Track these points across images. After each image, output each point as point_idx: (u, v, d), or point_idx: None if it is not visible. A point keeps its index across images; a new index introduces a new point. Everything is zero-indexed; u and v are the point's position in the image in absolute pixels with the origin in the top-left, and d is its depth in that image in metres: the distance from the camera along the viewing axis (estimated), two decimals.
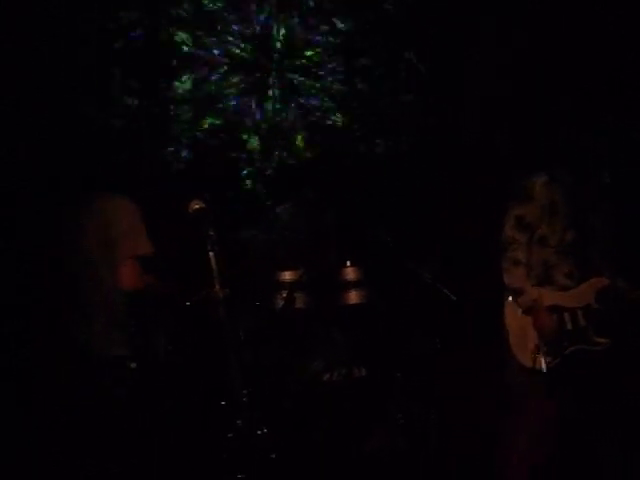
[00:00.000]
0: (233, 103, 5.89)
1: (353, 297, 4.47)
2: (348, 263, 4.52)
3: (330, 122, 6.02)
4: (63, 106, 5.31)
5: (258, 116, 5.92)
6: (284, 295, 4.38)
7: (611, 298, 3.45)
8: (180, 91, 5.77)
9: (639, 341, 3.95)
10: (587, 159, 3.53)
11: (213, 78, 5.87)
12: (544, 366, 3.39)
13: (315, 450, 4.26)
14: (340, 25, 6.01)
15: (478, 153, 5.72)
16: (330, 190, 5.05)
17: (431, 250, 4.88)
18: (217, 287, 3.31)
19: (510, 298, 3.56)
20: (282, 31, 5.95)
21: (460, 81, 5.92)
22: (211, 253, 3.30)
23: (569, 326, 3.45)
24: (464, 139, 5.84)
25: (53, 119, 5.19)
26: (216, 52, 5.88)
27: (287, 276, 4.46)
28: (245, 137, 5.86)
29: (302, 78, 5.98)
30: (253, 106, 5.94)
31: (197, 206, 3.34)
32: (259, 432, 4.17)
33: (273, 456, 4.16)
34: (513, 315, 3.54)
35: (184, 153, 5.73)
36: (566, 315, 3.46)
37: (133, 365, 3.40)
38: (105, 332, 3.37)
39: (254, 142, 5.92)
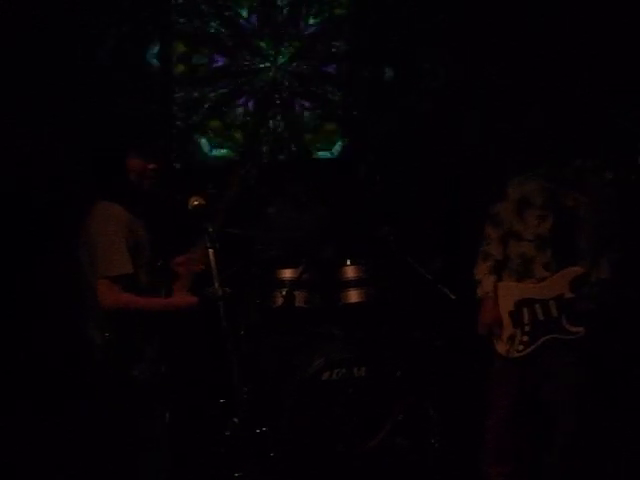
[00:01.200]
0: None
1: (353, 296, 4.46)
2: (348, 262, 4.51)
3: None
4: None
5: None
6: (284, 293, 4.37)
7: (585, 286, 3.53)
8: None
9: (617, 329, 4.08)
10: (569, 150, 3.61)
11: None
12: (516, 355, 3.62)
13: (314, 449, 4.24)
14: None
15: (481, 149, 5.72)
16: (327, 187, 5.04)
17: (432, 248, 4.86)
18: (216, 284, 3.28)
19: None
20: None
21: (461, 79, 5.93)
22: (210, 250, 3.27)
23: (540, 317, 3.58)
24: (466, 135, 5.84)
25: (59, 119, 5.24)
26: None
27: (287, 274, 4.45)
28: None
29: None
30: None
31: (196, 202, 3.30)
32: (258, 430, 4.18)
33: (271, 454, 4.17)
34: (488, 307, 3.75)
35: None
36: (537, 306, 3.57)
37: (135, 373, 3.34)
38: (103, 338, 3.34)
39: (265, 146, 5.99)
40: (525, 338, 3.59)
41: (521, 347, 3.58)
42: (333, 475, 4.22)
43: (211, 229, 3.30)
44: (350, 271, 4.47)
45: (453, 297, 4.18)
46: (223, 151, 6.04)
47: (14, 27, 5.20)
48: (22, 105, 5.24)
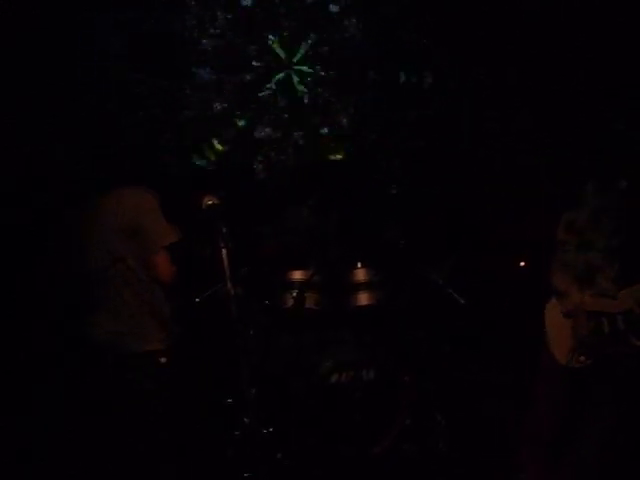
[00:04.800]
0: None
1: (363, 299, 4.45)
2: (359, 264, 4.51)
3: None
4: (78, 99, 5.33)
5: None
6: (294, 295, 4.37)
7: None
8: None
9: None
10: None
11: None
12: (577, 365, 3.54)
13: (322, 451, 4.23)
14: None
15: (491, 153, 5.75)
16: (341, 191, 5.05)
17: (443, 253, 4.87)
18: (228, 284, 3.27)
19: (553, 299, 3.69)
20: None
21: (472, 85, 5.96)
22: (223, 250, 3.26)
23: (606, 330, 3.51)
24: (477, 140, 5.86)
25: (68, 113, 5.21)
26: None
27: (298, 275, 4.45)
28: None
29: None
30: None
31: (210, 202, 3.31)
32: (266, 431, 4.16)
33: (279, 456, 4.15)
34: (553, 314, 3.67)
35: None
36: (604, 319, 3.51)
37: (163, 360, 3.35)
38: (136, 327, 3.32)
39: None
40: (588, 350, 3.53)
41: (582, 358, 3.53)
42: (340, 478, 4.21)
43: (224, 229, 3.29)
44: (360, 274, 4.47)
45: (463, 302, 4.18)
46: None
47: (14, 27, 5.17)
48: (22, 105, 5.20)
